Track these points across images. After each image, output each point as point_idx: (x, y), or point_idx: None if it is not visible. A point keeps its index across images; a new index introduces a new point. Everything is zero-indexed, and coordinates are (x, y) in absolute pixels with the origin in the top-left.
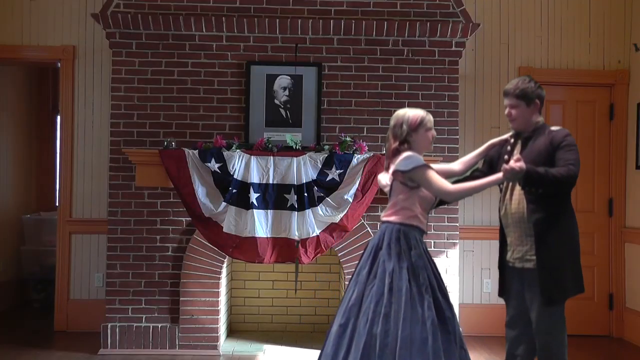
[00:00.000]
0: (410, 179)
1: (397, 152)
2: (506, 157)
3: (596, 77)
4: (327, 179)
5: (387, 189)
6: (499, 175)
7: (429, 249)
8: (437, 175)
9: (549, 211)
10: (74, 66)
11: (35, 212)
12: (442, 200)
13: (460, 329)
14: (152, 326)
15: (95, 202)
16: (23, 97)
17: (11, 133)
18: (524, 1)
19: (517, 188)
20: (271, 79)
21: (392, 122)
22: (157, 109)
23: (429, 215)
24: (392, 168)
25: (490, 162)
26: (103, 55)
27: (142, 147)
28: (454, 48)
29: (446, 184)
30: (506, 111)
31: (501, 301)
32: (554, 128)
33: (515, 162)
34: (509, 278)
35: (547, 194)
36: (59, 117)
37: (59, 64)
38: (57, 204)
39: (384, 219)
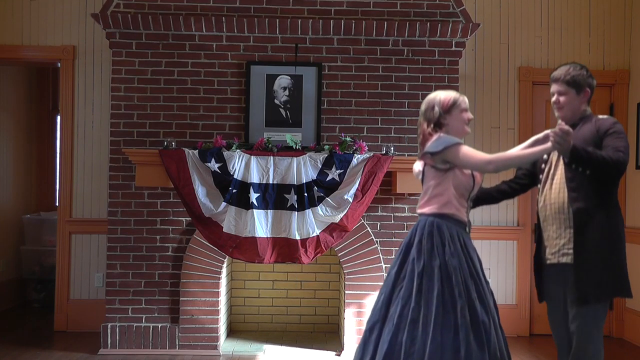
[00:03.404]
0: (443, 161)
1: (430, 137)
2: None
3: (596, 77)
4: (327, 179)
5: (420, 177)
6: (548, 145)
7: None
8: (472, 149)
9: (592, 202)
10: (74, 66)
11: (35, 212)
12: (484, 196)
13: (503, 342)
14: (152, 326)
15: (95, 202)
16: (23, 97)
17: (11, 133)
18: (524, 1)
19: (558, 176)
20: (271, 79)
21: (422, 107)
22: (157, 109)
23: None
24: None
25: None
26: (103, 55)
27: (142, 147)
28: (454, 48)
29: (485, 154)
30: (553, 98)
31: (501, 301)
32: (601, 117)
33: (561, 126)
34: (545, 279)
35: (593, 179)
36: (59, 117)
37: (59, 64)
38: (57, 204)
39: (418, 211)
